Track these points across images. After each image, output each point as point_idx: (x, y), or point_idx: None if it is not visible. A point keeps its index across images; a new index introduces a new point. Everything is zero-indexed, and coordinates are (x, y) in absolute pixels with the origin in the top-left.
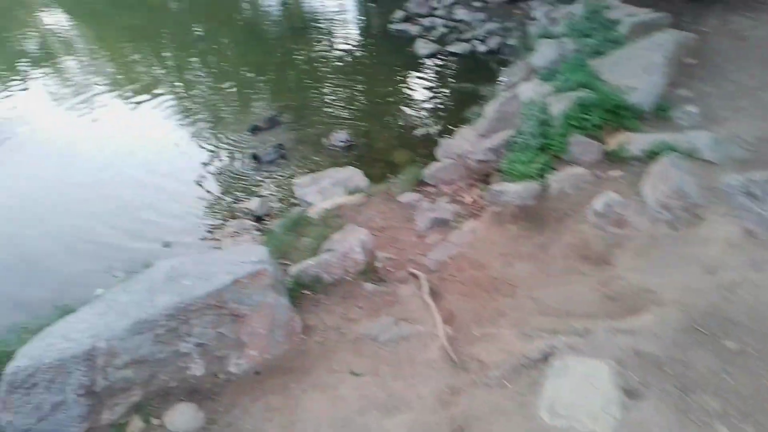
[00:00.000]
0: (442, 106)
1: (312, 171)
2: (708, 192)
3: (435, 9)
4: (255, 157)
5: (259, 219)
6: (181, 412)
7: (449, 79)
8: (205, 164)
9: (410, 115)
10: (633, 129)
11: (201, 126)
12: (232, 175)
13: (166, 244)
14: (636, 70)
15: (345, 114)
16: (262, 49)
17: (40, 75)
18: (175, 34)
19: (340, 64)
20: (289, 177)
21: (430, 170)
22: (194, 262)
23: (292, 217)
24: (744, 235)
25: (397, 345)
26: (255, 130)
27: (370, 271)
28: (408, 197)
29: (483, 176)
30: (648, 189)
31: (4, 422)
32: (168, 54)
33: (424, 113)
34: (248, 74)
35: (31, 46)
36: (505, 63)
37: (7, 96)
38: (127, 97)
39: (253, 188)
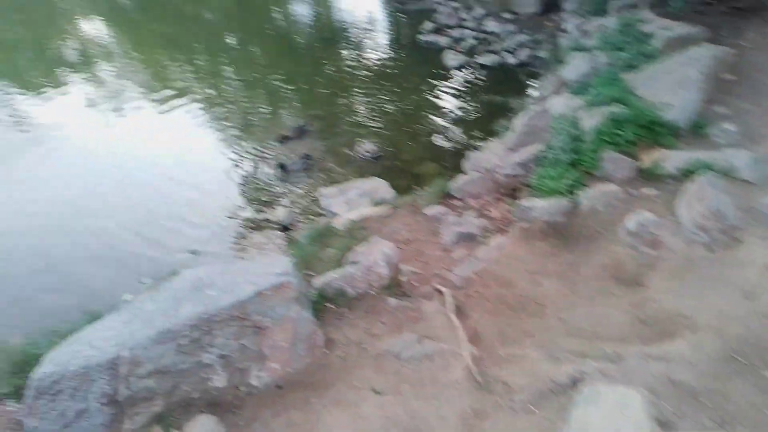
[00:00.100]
0: (470, 119)
1: (338, 181)
2: (746, 213)
3: (464, 20)
4: (281, 167)
5: (285, 228)
6: (201, 424)
7: (478, 91)
8: (233, 173)
9: (438, 127)
10: (668, 146)
11: (230, 134)
12: (259, 184)
13: (194, 252)
14: (671, 86)
15: (373, 124)
16: (293, 59)
17: (77, 81)
18: (208, 43)
19: (369, 74)
20: (315, 187)
21: (457, 183)
22: (220, 272)
23: (317, 228)
24: None
25: (420, 363)
26: (283, 139)
27: (394, 286)
28: (434, 210)
29: (511, 191)
30: (683, 209)
31: (30, 427)
32: (200, 62)
33: (452, 125)
34: (278, 83)
35: (70, 53)
36: (535, 75)
37: (44, 101)
38: (160, 104)
39: (280, 198)
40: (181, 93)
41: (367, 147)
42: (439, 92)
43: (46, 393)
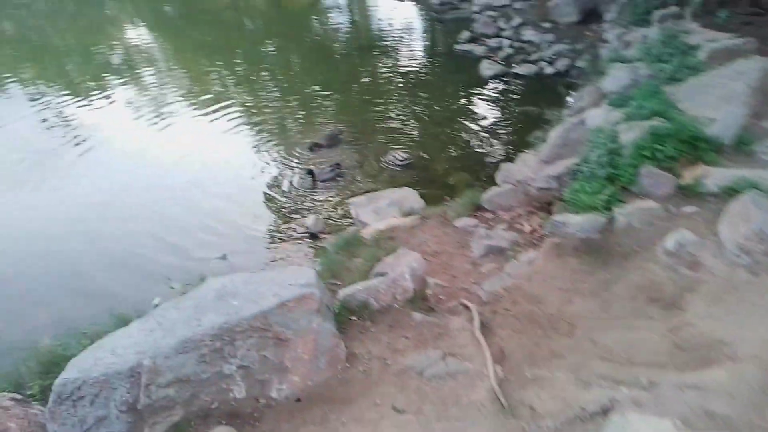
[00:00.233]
0: (504, 129)
1: (369, 190)
2: None
3: (502, 30)
4: (311, 174)
5: (313, 236)
6: None
7: (513, 102)
8: (264, 180)
9: (471, 137)
10: (710, 162)
11: (264, 141)
12: (289, 191)
13: (223, 257)
14: (715, 100)
15: (406, 133)
16: (329, 67)
17: (120, 86)
18: (246, 51)
19: (404, 82)
20: (345, 195)
21: (489, 195)
22: (244, 281)
23: (345, 237)
24: None
25: (443, 382)
26: (315, 147)
27: (420, 300)
28: (464, 222)
29: (544, 205)
30: (726, 229)
31: None
32: (239, 69)
33: (485, 136)
34: (314, 91)
35: (116, 59)
36: (573, 86)
37: (90, 105)
38: (198, 110)
39: (310, 205)
40: (218, 99)
41: (398, 155)
42: (473, 101)
43: (67, 398)
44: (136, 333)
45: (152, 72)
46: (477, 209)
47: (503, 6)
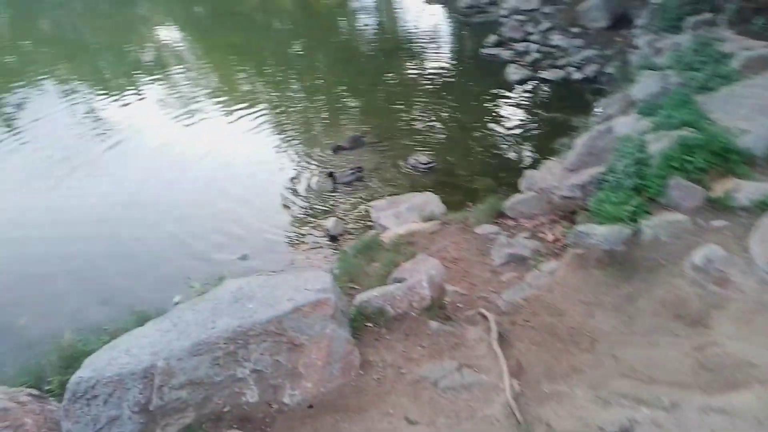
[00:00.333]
0: (529, 135)
1: (390, 194)
2: None
3: (530, 34)
4: (331, 176)
5: (333, 239)
6: None
7: (539, 107)
8: (287, 180)
9: (495, 143)
10: (742, 175)
11: (289, 142)
12: (311, 193)
13: (243, 257)
14: (749, 110)
15: (429, 137)
16: (355, 69)
17: (152, 85)
18: (274, 52)
19: (429, 86)
20: (366, 198)
21: (511, 202)
22: (260, 284)
23: (364, 241)
24: None
25: (458, 394)
26: (337, 149)
27: (437, 308)
28: (485, 229)
29: (567, 214)
30: (756, 245)
31: (65, 429)
32: (267, 70)
33: (510, 141)
34: (340, 93)
35: (147, 58)
36: (600, 93)
37: (120, 102)
38: (225, 109)
39: (331, 208)
40: (245, 99)
41: (421, 159)
42: (499, 106)
43: (81, 397)
44: (152, 333)
45: (181, 71)
46: (499, 216)
47: (531, 10)
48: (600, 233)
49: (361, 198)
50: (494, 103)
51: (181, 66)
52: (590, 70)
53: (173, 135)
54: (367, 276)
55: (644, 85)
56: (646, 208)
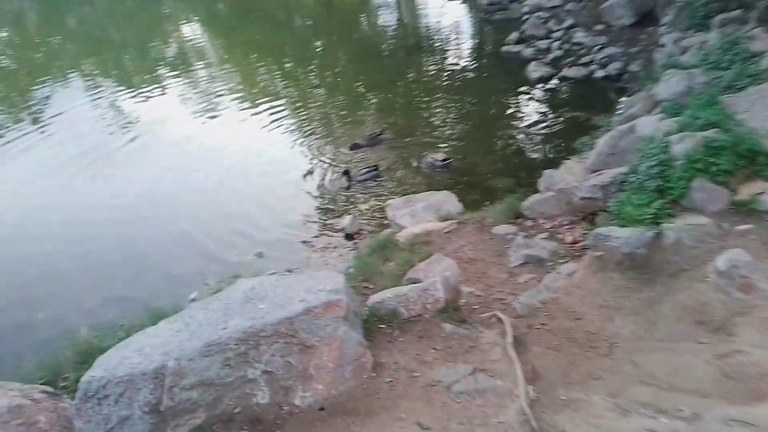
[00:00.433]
0: (550, 134)
1: (407, 192)
2: None
3: (552, 31)
4: (346, 174)
5: (349, 237)
6: None
7: (561, 106)
8: (303, 178)
9: (515, 141)
10: None
11: (306, 139)
12: (327, 191)
13: (259, 255)
14: None
15: (448, 135)
16: (375, 65)
17: (174, 81)
18: (295, 49)
19: (449, 83)
20: (383, 196)
21: (530, 202)
22: (272, 285)
23: (379, 240)
24: None
25: (472, 399)
26: (355, 147)
27: (452, 310)
28: (503, 229)
29: (587, 215)
30: None
31: (77, 428)
32: (287, 67)
33: (529, 140)
34: (359, 89)
35: (170, 55)
36: (624, 92)
37: (142, 98)
38: (245, 106)
39: (347, 206)
40: (265, 95)
41: (438, 156)
42: (519, 104)
43: (93, 396)
44: (164, 333)
45: (202, 67)
46: (517, 216)
47: (554, 7)
48: (621, 235)
49: (377, 196)
50: (514, 101)
51: (203, 63)
52: (613, 68)
53: (192, 130)
54: (382, 275)
55: (669, 84)
56: (669, 211)
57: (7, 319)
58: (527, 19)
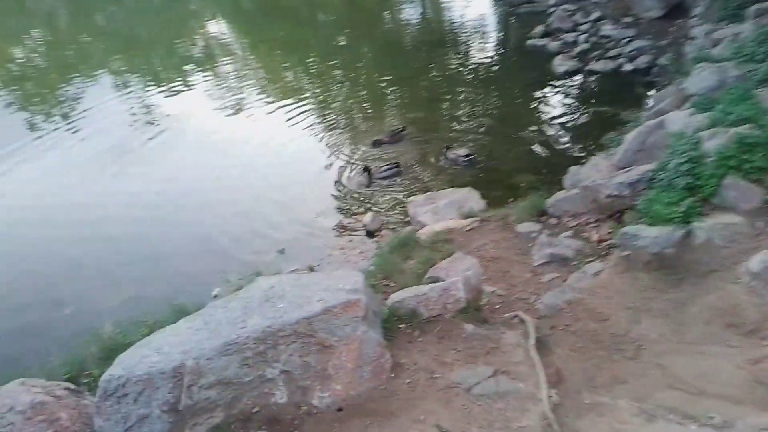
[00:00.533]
0: (576, 130)
1: (429, 189)
2: None
3: (579, 24)
4: (367, 171)
5: (370, 234)
6: None
7: (587, 100)
8: (325, 174)
9: (540, 137)
10: None
11: (329, 136)
12: (349, 187)
13: (281, 251)
14: None
15: (471, 130)
16: (399, 61)
17: (198, 78)
18: (319, 45)
19: (473, 78)
20: (405, 193)
21: (554, 199)
22: (291, 284)
23: (401, 237)
24: None
25: (492, 402)
26: (377, 143)
27: (473, 310)
28: (526, 227)
29: (614, 213)
30: None
31: (97, 426)
32: (311, 62)
33: (554, 136)
34: (383, 85)
35: (196, 51)
36: (652, 86)
37: (170, 95)
38: (268, 102)
39: (369, 202)
40: (289, 91)
41: (460, 152)
42: (545, 99)
43: (112, 395)
44: (183, 331)
45: (228, 63)
46: (541, 214)
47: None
48: (649, 235)
49: (399, 193)
50: (540, 96)
51: (228, 59)
52: (642, 61)
53: (218, 127)
54: (403, 274)
55: (700, 78)
56: (699, 210)
57: (34, 314)
58: (553, 11)
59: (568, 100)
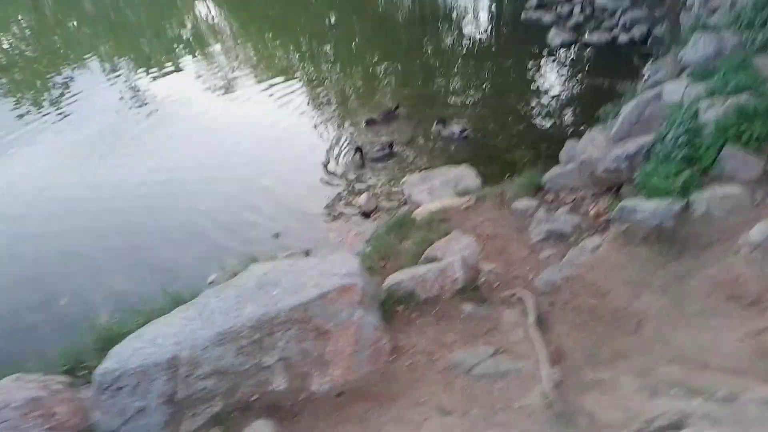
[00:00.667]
0: (571, 103)
1: (423, 168)
2: None
3: None
4: (359, 151)
5: (365, 215)
6: (260, 430)
7: (582, 73)
8: (319, 155)
9: (535, 111)
10: None
11: (322, 116)
12: (343, 169)
13: (276, 235)
14: None
15: (466, 107)
16: (392, 38)
17: (188, 60)
18: (310, 23)
19: (467, 53)
20: (399, 173)
21: (551, 175)
22: (286, 270)
23: (396, 218)
24: None
25: (493, 382)
26: (370, 123)
27: (471, 290)
28: (523, 203)
29: (611, 187)
30: None
31: (94, 419)
32: (302, 42)
33: (550, 110)
34: (375, 63)
35: (185, 32)
36: (649, 57)
37: (160, 79)
38: (260, 82)
39: (363, 183)
40: (280, 71)
41: (454, 129)
42: (540, 73)
43: (108, 388)
44: (177, 322)
45: (219, 46)
46: (537, 190)
47: None
48: (647, 208)
49: (393, 172)
50: (535, 70)
51: (218, 40)
52: (638, 32)
53: (208, 110)
54: (400, 254)
55: (697, 47)
56: (698, 181)
57: (29, 305)
58: None
59: (564, 73)
